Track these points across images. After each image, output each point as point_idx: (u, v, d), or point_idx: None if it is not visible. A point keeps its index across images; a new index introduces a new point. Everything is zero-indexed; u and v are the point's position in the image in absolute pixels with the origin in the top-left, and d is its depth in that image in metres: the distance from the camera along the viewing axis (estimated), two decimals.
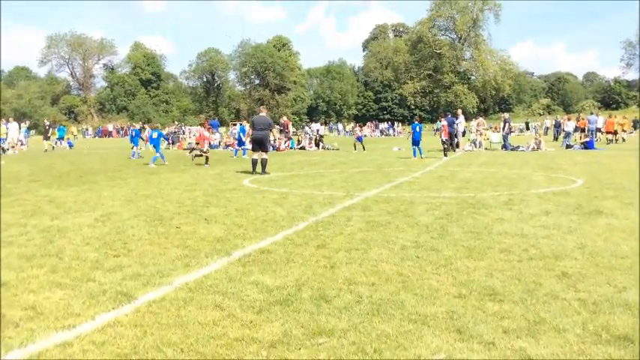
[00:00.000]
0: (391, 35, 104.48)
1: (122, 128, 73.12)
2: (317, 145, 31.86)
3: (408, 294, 4.53)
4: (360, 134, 32.40)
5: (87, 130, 76.12)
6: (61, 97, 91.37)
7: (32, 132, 46.49)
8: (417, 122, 22.85)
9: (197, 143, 25.90)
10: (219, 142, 34.80)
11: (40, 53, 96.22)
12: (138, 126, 28.47)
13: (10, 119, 33.61)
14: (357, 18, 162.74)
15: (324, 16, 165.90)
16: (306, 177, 14.71)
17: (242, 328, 3.83)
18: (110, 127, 76.12)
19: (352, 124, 66.96)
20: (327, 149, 30.79)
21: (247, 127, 24.59)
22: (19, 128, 34.17)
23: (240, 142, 25.48)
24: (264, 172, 15.42)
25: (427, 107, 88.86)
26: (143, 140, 25.02)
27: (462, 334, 3.70)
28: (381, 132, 69.41)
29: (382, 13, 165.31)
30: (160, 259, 5.75)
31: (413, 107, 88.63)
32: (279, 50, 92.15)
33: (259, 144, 15.79)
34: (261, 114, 16.36)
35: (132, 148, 24.83)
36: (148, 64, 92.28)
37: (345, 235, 6.90)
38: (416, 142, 21.68)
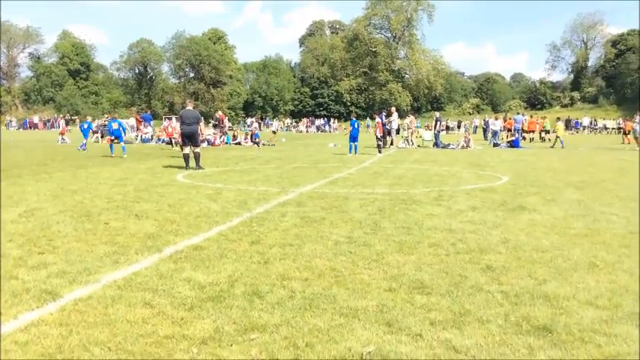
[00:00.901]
0: (328, 32, 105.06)
1: (48, 120, 70.08)
2: (252, 140, 31.64)
3: (340, 288, 4.60)
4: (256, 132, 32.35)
5: (11, 121, 72.43)
6: None
7: None
8: (354, 118, 23.13)
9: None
10: (152, 136, 33.98)
11: None
12: (90, 119, 28.19)
13: None
14: (294, 14, 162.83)
15: (261, 12, 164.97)
16: (241, 172, 14.61)
17: (172, 325, 3.78)
18: (36, 118, 72.75)
19: (289, 120, 66.94)
20: (264, 145, 30.65)
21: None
22: None
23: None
24: (198, 166, 15.21)
25: (363, 104, 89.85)
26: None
27: (391, 326, 3.80)
28: (317, 128, 69.75)
29: (319, 9, 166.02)
30: (88, 256, 5.58)
31: (349, 104, 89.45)
32: (214, 43, 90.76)
33: (190, 138, 15.62)
34: (189, 107, 16.11)
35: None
36: (77, 54, 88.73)
37: (279, 230, 6.92)
38: (353, 139, 21.94)
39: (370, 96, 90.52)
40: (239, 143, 31.35)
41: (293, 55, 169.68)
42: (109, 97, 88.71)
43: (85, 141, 25.18)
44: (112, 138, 21.10)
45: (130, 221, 7.45)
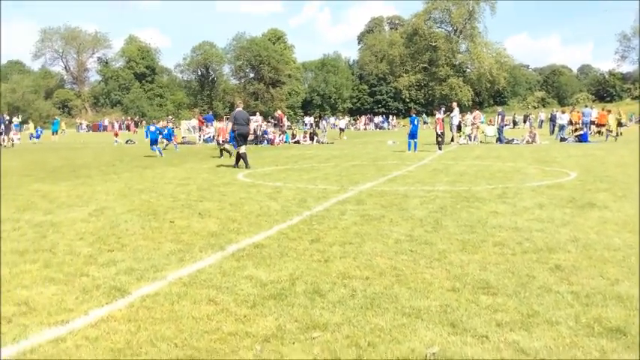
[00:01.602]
0: (387, 28, 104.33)
1: (117, 122, 72.77)
2: (311, 138, 31.83)
3: (402, 288, 4.54)
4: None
5: (81, 124, 75.73)
6: (55, 91, 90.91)
7: (25, 126, 46.16)
8: (414, 115, 22.84)
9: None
10: (213, 137, 34.67)
11: (33, 47, 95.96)
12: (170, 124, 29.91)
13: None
14: (352, 11, 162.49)
15: (319, 10, 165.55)
16: (301, 171, 14.70)
17: (236, 322, 3.82)
18: (105, 121, 75.74)
19: (347, 118, 66.80)
20: (322, 143, 30.76)
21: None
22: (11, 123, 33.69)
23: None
24: (237, 164, 15.71)
25: (422, 100, 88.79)
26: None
27: (455, 327, 3.71)
28: (376, 125, 69.36)
29: (378, 5, 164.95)
30: (154, 253, 5.74)
31: (408, 100, 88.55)
32: (274, 43, 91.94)
33: (244, 138, 16.09)
34: (239, 108, 16.59)
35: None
36: (143, 58, 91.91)
37: (339, 229, 6.90)
38: (413, 135, 21.67)
39: (430, 92, 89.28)
40: (298, 142, 31.58)
41: (351, 52, 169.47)
42: (173, 99, 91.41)
43: (164, 144, 25.61)
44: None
45: (194, 220, 7.61)
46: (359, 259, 5.42)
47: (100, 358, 3.27)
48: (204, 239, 6.39)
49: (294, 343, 3.47)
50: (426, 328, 3.70)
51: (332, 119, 44.78)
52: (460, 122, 29.84)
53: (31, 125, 44.79)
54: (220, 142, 20.68)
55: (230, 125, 16.45)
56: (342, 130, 40.35)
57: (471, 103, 79.01)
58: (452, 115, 28.62)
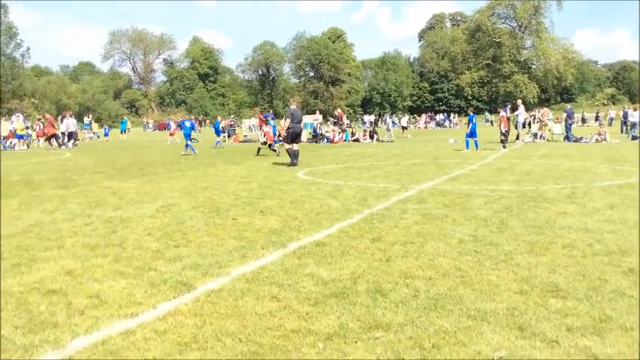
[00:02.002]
0: (448, 25, 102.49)
1: (173, 121, 74.59)
2: (371, 137, 31.69)
3: (467, 289, 4.44)
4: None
5: (148, 123, 78.25)
6: (123, 92, 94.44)
7: (95, 125, 48.25)
8: (472, 113, 22.33)
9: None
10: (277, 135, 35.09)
11: (103, 49, 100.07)
12: (219, 118, 31.64)
13: (70, 114, 34.00)
14: (413, 8, 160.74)
15: (379, 6, 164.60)
16: (361, 169, 14.66)
17: (298, 319, 3.84)
18: (170, 120, 77.91)
19: (407, 116, 66.12)
20: (382, 141, 30.56)
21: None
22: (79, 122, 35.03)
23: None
24: (296, 162, 15.92)
25: (485, 98, 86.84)
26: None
27: (523, 331, 3.60)
28: (437, 123, 68.28)
29: (439, 2, 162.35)
30: (218, 249, 5.85)
31: (470, 98, 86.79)
32: (333, 42, 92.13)
33: (298, 136, 16.57)
34: (294, 106, 17.00)
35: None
36: (206, 59, 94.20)
37: (400, 228, 6.83)
38: (472, 134, 21.20)
39: (493, 89, 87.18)
40: (357, 140, 31.51)
41: (412, 49, 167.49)
42: (235, 99, 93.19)
43: (219, 139, 26.71)
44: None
45: (256, 217, 7.72)
46: (421, 259, 5.35)
47: (168, 351, 3.35)
48: (266, 236, 6.46)
49: (356, 342, 3.45)
50: (492, 331, 3.60)
51: (388, 118, 43.96)
52: (526, 120, 28.99)
53: (94, 125, 46.75)
54: (265, 142, 21.04)
55: (287, 122, 16.53)
56: (404, 128, 39.97)
57: (536, 100, 76.62)
58: (517, 112, 27.83)
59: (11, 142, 29.04)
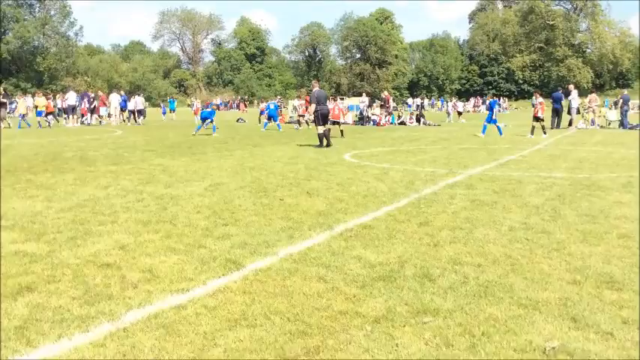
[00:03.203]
0: (500, 6, 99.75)
1: (228, 102, 75.52)
2: (418, 120, 31.30)
3: (518, 277, 4.35)
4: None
5: (193, 103, 79.25)
6: (172, 71, 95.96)
7: (147, 103, 49.23)
8: (493, 99, 21.93)
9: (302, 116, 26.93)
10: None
11: (153, 28, 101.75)
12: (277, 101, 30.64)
13: (138, 93, 34.57)
14: None
15: None
16: (407, 153, 14.51)
17: (346, 301, 3.85)
18: (217, 100, 78.88)
19: (454, 99, 64.97)
20: (428, 125, 30.16)
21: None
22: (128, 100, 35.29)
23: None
24: (328, 144, 15.94)
25: (536, 82, 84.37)
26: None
27: (577, 322, 3.51)
28: (487, 107, 66.73)
29: None
30: (266, 229, 5.91)
31: (521, 82, 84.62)
32: (381, 23, 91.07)
33: (326, 117, 16.43)
34: (317, 88, 16.87)
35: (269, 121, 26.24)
36: (253, 39, 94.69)
37: (448, 213, 6.74)
38: (490, 119, 20.79)
39: (545, 73, 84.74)
40: (403, 123, 31.18)
41: (461, 32, 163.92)
42: (281, 80, 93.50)
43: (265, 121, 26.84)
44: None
45: (302, 198, 7.75)
46: (470, 245, 5.27)
47: (218, 327, 3.42)
48: (313, 218, 6.48)
49: (404, 326, 3.44)
50: (544, 320, 3.52)
51: (449, 102, 42.55)
52: (579, 106, 28.07)
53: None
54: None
55: (313, 105, 16.39)
56: (460, 113, 39.07)
57: (590, 85, 73.96)
58: (570, 98, 27.00)
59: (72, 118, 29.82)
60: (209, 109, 22.92)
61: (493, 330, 3.37)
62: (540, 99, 22.06)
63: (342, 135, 20.04)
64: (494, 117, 21.03)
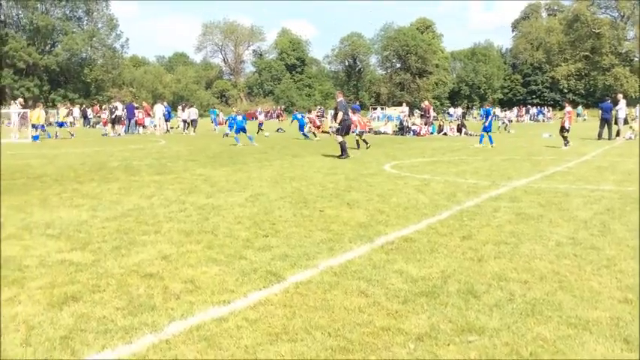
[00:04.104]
0: (544, 14, 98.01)
1: (268, 112, 76.12)
2: (459, 130, 30.90)
3: (566, 295, 4.20)
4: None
5: (236, 113, 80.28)
6: (214, 82, 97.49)
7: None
8: (488, 107, 22.57)
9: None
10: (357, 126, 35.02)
11: (196, 40, 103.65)
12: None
13: (191, 104, 35.37)
14: None
15: None
16: (449, 163, 14.31)
17: (388, 317, 3.79)
18: (258, 109, 79.66)
19: (496, 108, 63.87)
20: (470, 135, 29.72)
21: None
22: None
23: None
24: (346, 154, 15.79)
25: (582, 91, 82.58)
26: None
27: (629, 343, 3.36)
28: (531, 117, 65.47)
29: None
30: (306, 241, 5.89)
31: (566, 91, 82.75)
32: (422, 33, 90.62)
33: (349, 128, 16.60)
34: (342, 99, 16.86)
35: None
36: (294, 50, 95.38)
37: (492, 226, 6.59)
38: (486, 128, 20.77)
39: (591, 82, 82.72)
40: (445, 133, 30.82)
41: (504, 40, 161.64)
42: (321, 89, 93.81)
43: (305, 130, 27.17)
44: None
45: (343, 209, 7.71)
46: (516, 261, 5.13)
47: (259, 340, 3.40)
48: (353, 230, 6.43)
49: (448, 344, 3.35)
50: (595, 341, 3.38)
51: (500, 112, 41.31)
52: (626, 116, 27.21)
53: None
54: (357, 132, 20.72)
55: (340, 115, 16.34)
56: (509, 121, 38.09)
57: (638, 94, 71.82)
58: (617, 107, 26.19)
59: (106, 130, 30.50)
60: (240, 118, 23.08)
61: (541, 350, 3.26)
62: (569, 108, 21.49)
63: (367, 146, 19.77)
64: (486, 124, 21.12)
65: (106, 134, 29.97)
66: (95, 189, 9.60)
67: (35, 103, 32.23)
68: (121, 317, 3.78)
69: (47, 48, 75.43)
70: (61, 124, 28.40)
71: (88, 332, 3.53)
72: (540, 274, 4.73)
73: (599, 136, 24.51)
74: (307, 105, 71.89)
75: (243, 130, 22.06)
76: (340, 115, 16.36)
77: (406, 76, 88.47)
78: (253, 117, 68.29)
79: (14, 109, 30.04)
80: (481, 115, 32.31)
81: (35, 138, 24.30)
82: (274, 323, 3.66)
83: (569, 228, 6.49)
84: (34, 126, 25.18)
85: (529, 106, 70.09)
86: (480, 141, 21.00)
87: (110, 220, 6.91)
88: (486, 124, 21.02)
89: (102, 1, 79.40)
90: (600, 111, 26.32)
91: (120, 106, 31.69)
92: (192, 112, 33.19)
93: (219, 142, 23.62)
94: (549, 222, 6.82)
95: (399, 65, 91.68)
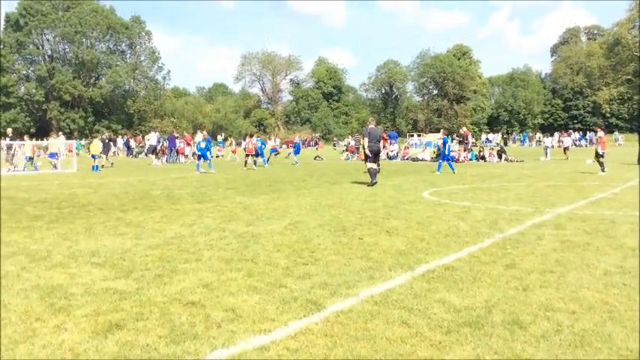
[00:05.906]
0: (584, 38, 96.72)
1: (305, 140, 76.71)
2: (499, 156, 30.48)
3: (616, 326, 4.06)
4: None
5: (275, 140, 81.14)
6: (252, 111, 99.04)
7: (227, 143, 50.81)
8: (446, 136, 23.13)
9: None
10: (397, 153, 35.01)
11: (235, 71, 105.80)
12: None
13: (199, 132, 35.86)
14: (544, 21, 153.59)
15: (508, 20, 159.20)
16: (489, 190, 14.09)
17: (431, 348, 3.72)
18: (297, 138, 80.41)
19: (538, 135, 62.91)
20: (511, 161, 29.28)
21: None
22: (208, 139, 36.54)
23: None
24: (374, 182, 15.81)
25: (625, 115, 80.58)
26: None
27: None
28: (573, 143, 64.05)
29: (572, 15, 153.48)
30: (345, 269, 5.86)
31: (608, 115, 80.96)
32: (458, 59, 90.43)
33: (376, 155, 16.45)
34: (372, 126, 16.79)
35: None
36: (330, 78, 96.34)
37: (536, 255, 6.44)
38: (443, 156, 21.45)
39: (634, 106, 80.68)
40: (484, 159, 30.44)
41: (543, 65, 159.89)
42: (358, 117, 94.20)
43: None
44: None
45: (382, 237, 7.66)
46: (562, 290, 4.98)
47: None
48: (393, 258, 6.37)
49: None
50: None
51: (547, 138, 40.25)
52: None
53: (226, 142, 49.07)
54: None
55: (365, 141, 16.37)
56: (566, 148, 37.10)
57: None
58: None
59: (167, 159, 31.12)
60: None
61: None
62: (601, 133, 21.00)
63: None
64: (446, 152, 21.72)
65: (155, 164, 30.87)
66: (138, 217, 9.80)
67: (91, 134, 33.53)
68: (163, 345, 3.81)
69: (92, 81, 78.30)
70: (94, 157, 29.25)
71: None
72: (588, 304, 4.58)
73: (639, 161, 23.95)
74: (344, 133, 72.21)
75: (204, 156, 23.03)
76: (365, 142, 16.47)
77: (443, 102, 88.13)
78: (292, 144, 69.11)
79: (60, 140, 31.12)
80: (438, 145, 32.29)
81: (95, 168, 25.21)
82: (315, 353, 3.63)
83: (616, 256, 6.28)
84: (93, 156, 26.44)
85: (570, 131, 68.67)
86: (438, 169, 21.21)
87: (153, 249, 7.02)
88: (446, 152, 21.77)
89: (144, 35, 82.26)
90: (638, 135, 25.64)
91: (154, 136, 32.43)
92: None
93: (257, 171, 23.89)
94: (596, 250, 6.63)
95: (435, 92, 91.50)
